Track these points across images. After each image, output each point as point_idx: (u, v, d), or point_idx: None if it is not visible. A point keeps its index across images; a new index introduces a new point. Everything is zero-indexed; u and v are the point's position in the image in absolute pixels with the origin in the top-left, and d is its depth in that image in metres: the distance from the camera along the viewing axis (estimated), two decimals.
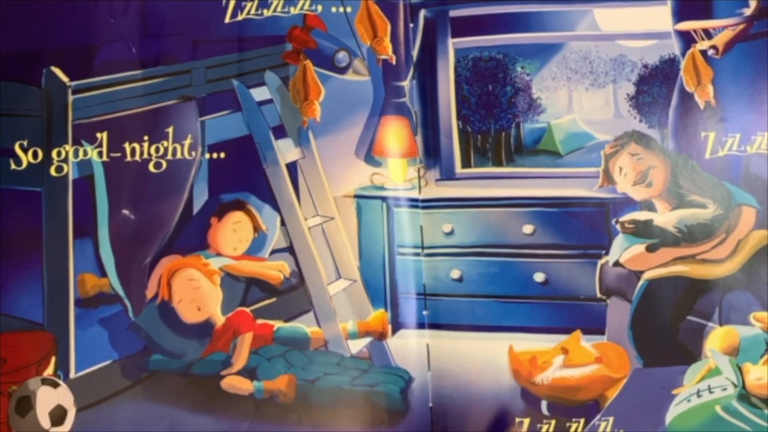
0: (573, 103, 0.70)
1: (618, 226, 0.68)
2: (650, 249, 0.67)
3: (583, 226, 0.69)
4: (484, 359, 0.68)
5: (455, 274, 0.69)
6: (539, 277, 0.69)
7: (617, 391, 0.67)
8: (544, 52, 0.70)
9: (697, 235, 0.67)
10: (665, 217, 0.68)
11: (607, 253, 0.68)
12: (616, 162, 0.69)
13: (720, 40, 0.68)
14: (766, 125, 0.68)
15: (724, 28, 0.68)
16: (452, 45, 0.71)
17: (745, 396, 0.63)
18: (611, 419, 0.65)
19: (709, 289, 0.67)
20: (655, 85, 0.69)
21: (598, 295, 0.68)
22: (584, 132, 0.70)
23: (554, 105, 0.70)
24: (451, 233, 0.70)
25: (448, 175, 0.71)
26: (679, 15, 0.69)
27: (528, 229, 0.69)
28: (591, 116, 0.70)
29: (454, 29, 0.71)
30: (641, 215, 0.68)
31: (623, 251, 0.68)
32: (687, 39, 0.69)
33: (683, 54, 0.69)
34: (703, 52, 0.68)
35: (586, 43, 0.70)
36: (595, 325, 0.68)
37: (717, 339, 0.66)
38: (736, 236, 0.67)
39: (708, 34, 0.68)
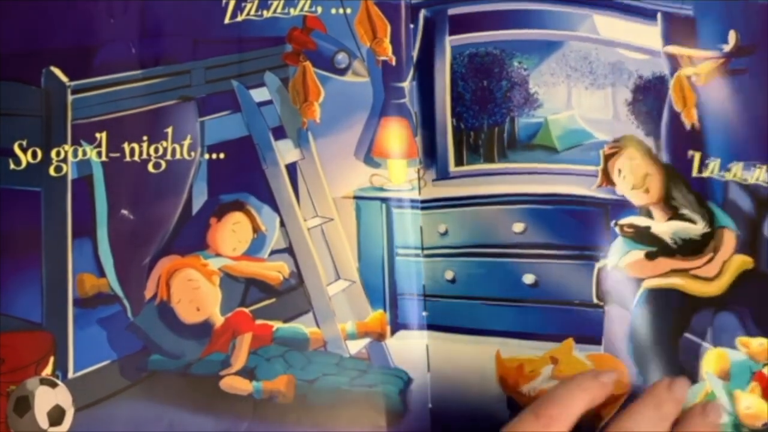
0: (572, 100, 0.69)
1: (617, 229, 0.67)
2: (649, 256, 0.66)
3: (579, 225, 0.67)
4: (475, 364, 0.67)
5: (449, 275, 0.69)
6: (528, 278, 0.67)
7: (614, 410, 0.63)
8: (544, 49, 0.69)
9: (689, 250, 0.66)
10: (662, 227, 0.67)
11: (605, 256, 0.67)
12: (615, 163, 0.68)
13: (702, 69, 0.68)
14: (743, 156, 0.67)
15: (706, 59, 0.68)
16: (449, 42, 0.70)
17: (738, 426, 0.62)
18: None
19: (701, 307, 0.65)
20: (650, 97, 0.68)
21: (594, 300, 0.66)
22: (583, 129, 0.69)
23: (552, 100, 0.69)
24: (445, 234, 0.69)
25: (443, 175, 0.70)
26: (668, 38, 0.68)
27: (518, 227, 0.68)
28: (590, 115, 0.69)
29: (452, 26, 0.70)
30: (640, 221, 0.67)
31: (623, 255, 0.66)
32: (675, 61, 0.68)
33: (671, 74, 0.68)
34: (689, 77, 0.68)
35: (586, 45, 0.69)
36: (589, 334, 0.66)
37: (711, 362, 0.64)
38: (721, 257, 0.66)
39: (692, 61, 0.68)
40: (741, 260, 0.66)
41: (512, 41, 0.70)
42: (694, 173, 0.67)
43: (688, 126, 0.68)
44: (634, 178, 0.67)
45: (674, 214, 0.67)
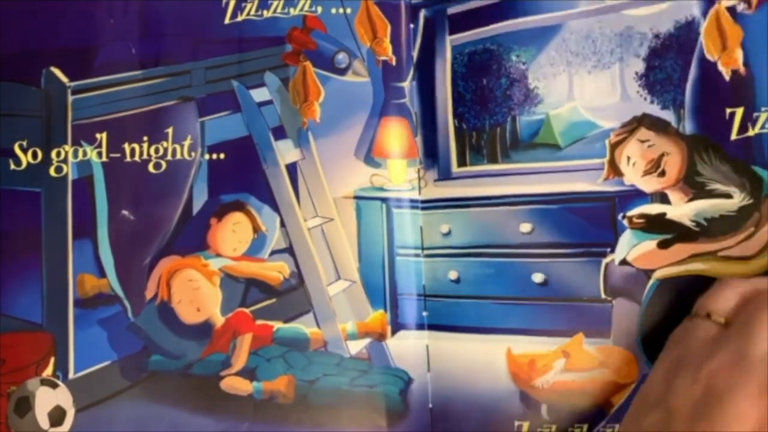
0: (574, 90, 0.67)
1: (625, 222, 0.65)
2: (662, 245, 0.63)
3: (585, 222, 0.66)
4: (483, 361, 0.67)
5: (453, 275, 0.69)
6: (538, 277, 0.67)
7: (624, 397, 0.64)
8: (541, 37, 0.67)
9: (718, 229, 0.62)
10: (680, 210, 0.63)
11: (612, 251, 0.65)
12: (623, 151, 0.64)
13: None
14: None
15: None
16: (449, 42, 0.70)
17: None
18: (617, 426, 0.63)
19: None
20: (669, 58, 0.64)
21: (603, 295, 0.65)
22: (586, 120, 0.67)
23: (553, 93, 0.67)
24: (448, 234, 0.69)
25: (445, 175, 0.70)
26: None
27: (525, 227, 0.67)
28: (594, 102, 0.66)
29: (452, 26, 0.70)
30: (652, 209, 0.64)
31: (631, 248, 0.64)
32: None
33: (705, 14, 0.62)
34: (731, 9, 0.61)
35: (588, 21, 0.66)
36: (599, 328, 0.65)
37: None
38: (767, 232, 0.61)
39: None
40: None
41: (509, 33, 0.68)
42: (734, 135, 0.61)
43: (727, 76, 0.62)
44: (646, 163, 0.64)
45: (699, 193, 0.63)
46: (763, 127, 0.61)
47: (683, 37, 0.64)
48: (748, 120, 0.62)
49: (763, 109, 0.62)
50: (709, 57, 0.63)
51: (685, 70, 0.64)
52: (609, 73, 0.66)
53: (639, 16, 0.64)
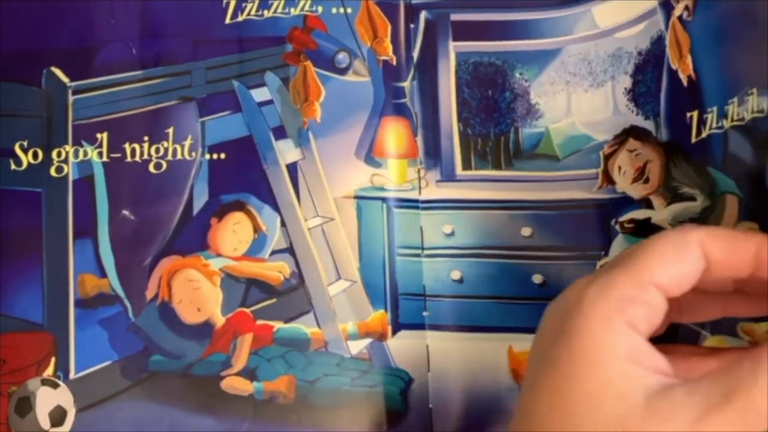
0: (572, 106, 0.69)
1: (617, 227, 0.67)
2: None
3: (581, 227, 0.68)
4: (483, 360, 0.68)
5: (455, 275, 0.69)
6: (537, 278, 0.68)
7: None
8: (543, 58, 0.69)
9: None
10: (661, 214, 0.66)
11: (606, 254, 0.67)
12: (615, 161, 0.67)
13: None
14: (737, 88, 0.64)
15: None
16: (453, 48, 0.70)
17: None
18: None
19: None
20: (648, 72, 0.68)
21: None
22: (583, 134, 0.69)
23: (552, 110, 0.69)
24: (451, 234, 0.70)
25: (449, 177, 0.70)
26: None
27: (526, 231, 0.68)
28: (590, 117, 0.69)
29: (455, 33, 0.70)
30: (640, 214, 0.67)
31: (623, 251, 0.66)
32: (668, 8, 0.67)
33: (667, 27, 0.67)
34: (681, 18, 0.66)
35: (585, 45, 0.69)
36: None
37: None
38: None
39: None
40: (744, 229, 0.63)
41: (512, 52, 0.70)
42: (693, 138, 0.66)
43: (685, 82, 0.66)
44: (634, 171, 0.67)
45: (674, 197, 0.66)
46: (711, 128, 0.65)
47: (657, 51, 0.68)
48: (701, 123, 0.65)
49: (708, 110, 0.65)
50: (673, 66, 0.67)
51: (660, 81, 0.68)
52: (603, 91, 0.69)
53: (627, 37, 0.69)
